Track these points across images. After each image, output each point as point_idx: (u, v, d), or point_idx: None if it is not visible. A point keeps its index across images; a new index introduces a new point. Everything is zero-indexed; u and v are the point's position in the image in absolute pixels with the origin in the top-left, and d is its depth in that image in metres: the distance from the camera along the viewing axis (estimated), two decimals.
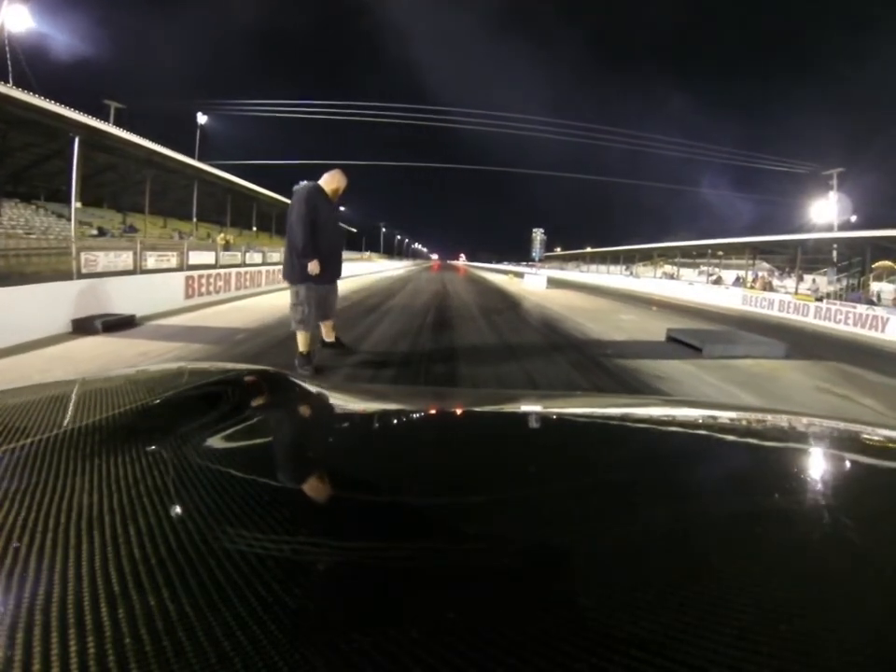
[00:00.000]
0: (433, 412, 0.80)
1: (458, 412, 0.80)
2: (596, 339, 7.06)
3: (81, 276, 7.13)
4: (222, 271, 10.78)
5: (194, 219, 23.36)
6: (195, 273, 9.62)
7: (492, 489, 0.44)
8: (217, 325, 6.98)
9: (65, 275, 6.93)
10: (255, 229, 29.17)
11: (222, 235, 22.71)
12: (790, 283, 22.55)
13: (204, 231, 25.44)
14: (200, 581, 0.26)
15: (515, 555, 0.33)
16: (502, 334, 7.00)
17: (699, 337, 6.60)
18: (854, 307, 12.81)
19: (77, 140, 13.44)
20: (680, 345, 6.66)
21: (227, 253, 18.36)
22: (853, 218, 28.33)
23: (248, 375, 0.73)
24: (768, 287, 21.40)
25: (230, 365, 0.83)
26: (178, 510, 0.34)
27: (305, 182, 4.27)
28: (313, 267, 4.04)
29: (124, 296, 7.31)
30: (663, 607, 0.27)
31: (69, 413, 0.54)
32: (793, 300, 15.58)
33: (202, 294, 9.67)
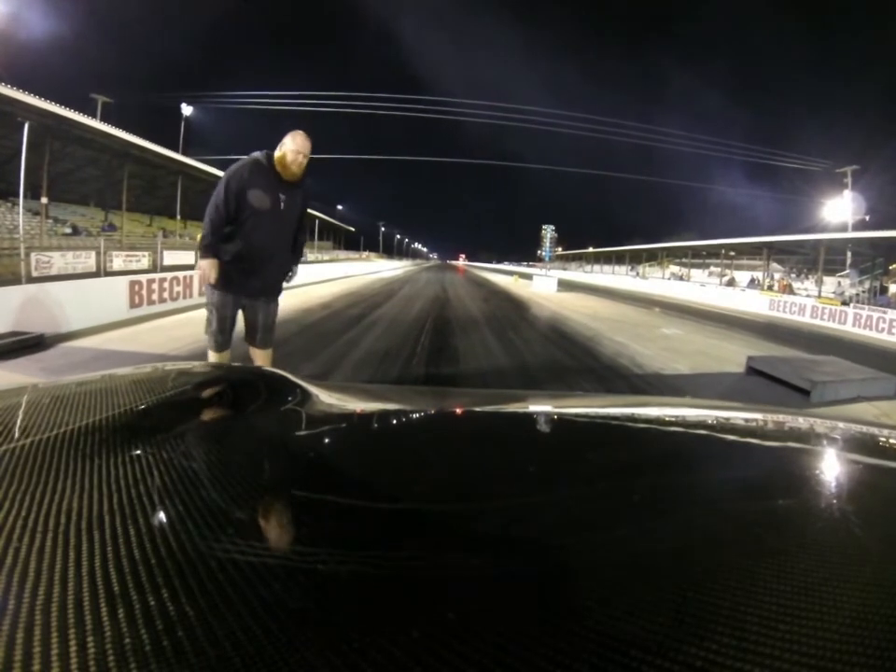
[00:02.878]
0: (433, 412, 0.80)
1: (459, 411, 0.81)
2: (656, 372, 5.33)
3: (32, 280, 6.55)
4: (180, 274, 9.09)
5: (178, 216, 21.92)
6: (143, 278, 7.91)
7: (494, 490, 0.44)
8: (141, 349, 5.36)
9: (16, 279, 6.51)
10: None
11: (202, 234, 20.95)
12: (805, 285, 21.70)
13: (194, 229, 23.82)
14: (198, 583, 0.26)
15: (517, 557, 0.32)
16: (528, 367, 5.22)
17: (794, 370, 4.86)
18: (885, 312, 12.05)
19: (27, 125, 12.10)
20: (768, 381, 4.94)
21: None
22: (867, 218, 27.29)
23: (248, 375, 0.75)
24: (788, 289, 20.17)
25: (228, 365, 0.89)
26: (177, 511, 0.33)
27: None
28: (206, 269, 2.55)
29: (56, 306, 6.05)
30: (665, 609, 0.27)
31: (67, 412, 0.53)
32: (820, 304, 14.74)
33: (152, 302, 7.95)
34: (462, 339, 6.80)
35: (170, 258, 14.56)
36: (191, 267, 10.64)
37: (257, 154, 2.64)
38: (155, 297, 8.05)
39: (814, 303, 15.01)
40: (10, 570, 0.26)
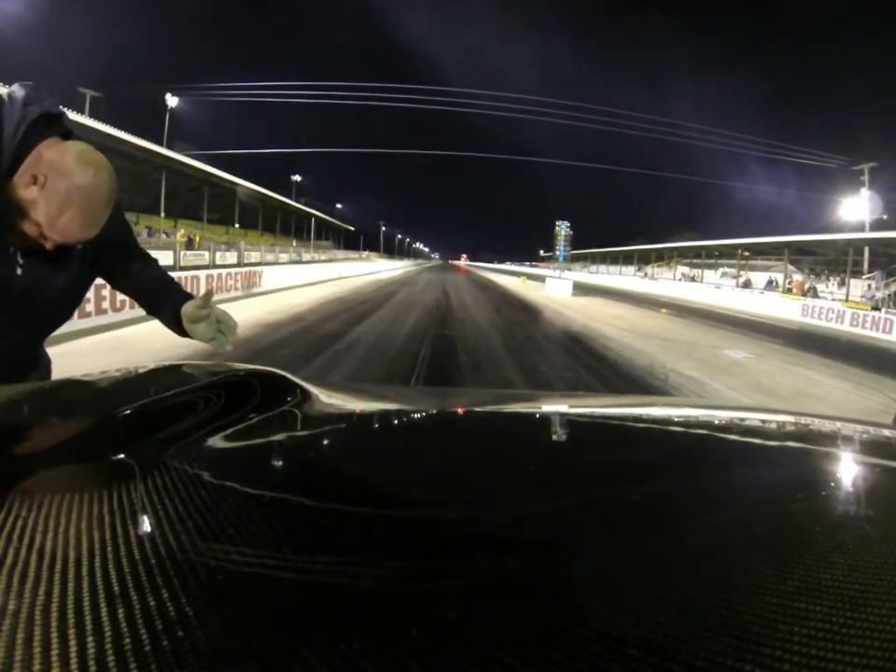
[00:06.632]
0: (435, 412, 0.80)
1: (461, 412, 0.81)
2: None
3: None
4: None
5: (162, 214, 20.49)
6: None
7: (497, 492, 0.44)
8: None
9: None
10: (237, 225, 26.51)
11: (182, 232, 19.54)
12: (829, 288, 20.76)
13: (188, 228, 22.37)
14: (198, 585, 0.26)
15: (520, 559, 0.32)
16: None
17: None
18: None
19: None
20: None
21: (190, 253, 15.19)
22: (884, 217, 25.99)
23: (247, 375, 0.71)
24: (812, 293, 18.89)
25: (228, 365, 0.77)
26: (177, 512, 0.33)
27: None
28: None
29: None
30: (673, 614, 0.27)
31: (64, 412, 0.53)
32: (859, 311, 13.96)
33: (86, 315, 6.29)
34: (475, 381, 4.84)
35: None
36: (173, 269, 9.65)
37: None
38: (90, 307, 6.37)
39: (852, 310, 14.18)
40: (10, 570, 0.25)
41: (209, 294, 1.03)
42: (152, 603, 0.24)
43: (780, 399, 4.77)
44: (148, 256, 1.13)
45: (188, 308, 1.02)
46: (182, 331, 1.05)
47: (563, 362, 6.04)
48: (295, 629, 0.24)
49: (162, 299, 1.08)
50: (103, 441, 0.44)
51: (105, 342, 5.68)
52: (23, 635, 0.21)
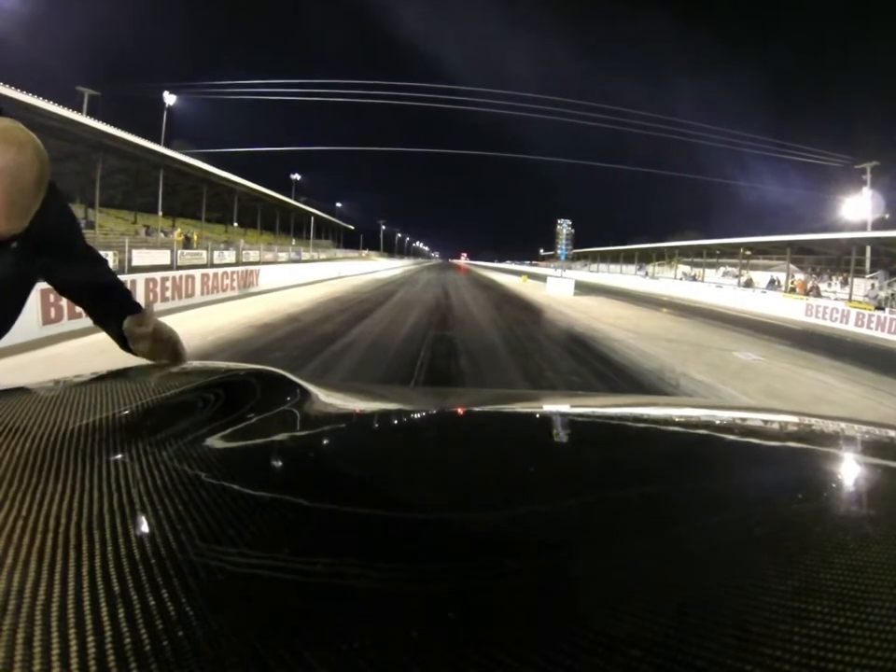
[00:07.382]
0: (435, 412, 0.79)
1: (461, 412, 0.80)
2: None
3: None
4: (133, 276, 7.56)
5: (159, 213, 20.35)
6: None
7: (498, 493, 0.44)
8: None
9: None
10: (236, 224, 26.38)
11: (179, 231, 19.35)
12: (832, 287, 20.73)
13: (184, 226, 22.19)
14: (197, 585, 0.26)
15: (520, 561, 0.32)
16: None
17: None
18: None
19: None
20: None
21: (188, 252, 15.02)
22: (886, 216, 25.87)
23: (247, 375, 0.71)
24: (815, 292, 18.80)
25: (228, 365, 0.78)
26: (177, 511, 0.33)
27: None
28: None
29: None
30: (674, 615, 0.27)
31: (66, 412, 0.53)
32: (865, 311, 13.79)
33: (76, 315, 6.12)
34: (477, 386, 4.57)
35: (141, 258, 13.02)
36: (170, 267, 9.84)
37: None
38: (80, 308, 6.18)
39: (857, 310, 14.03)
40: (10, 570, 0.25)
41: (148, 308, 0.91)
42: (152, 603, 0.24)
43: (798, 405, 4.56)
44: (98, 257, 0.97)
45: (127, 323, 0.89)
46: (127, 347, 0.91)
47: (568, 366, 5.83)
48: (295, 629, 0.24)
49: (110, 308, 0.93)
50: (103, 441, 0.44)
51: (95, 343, 5.51)
52: (23, 635, 0.21)
